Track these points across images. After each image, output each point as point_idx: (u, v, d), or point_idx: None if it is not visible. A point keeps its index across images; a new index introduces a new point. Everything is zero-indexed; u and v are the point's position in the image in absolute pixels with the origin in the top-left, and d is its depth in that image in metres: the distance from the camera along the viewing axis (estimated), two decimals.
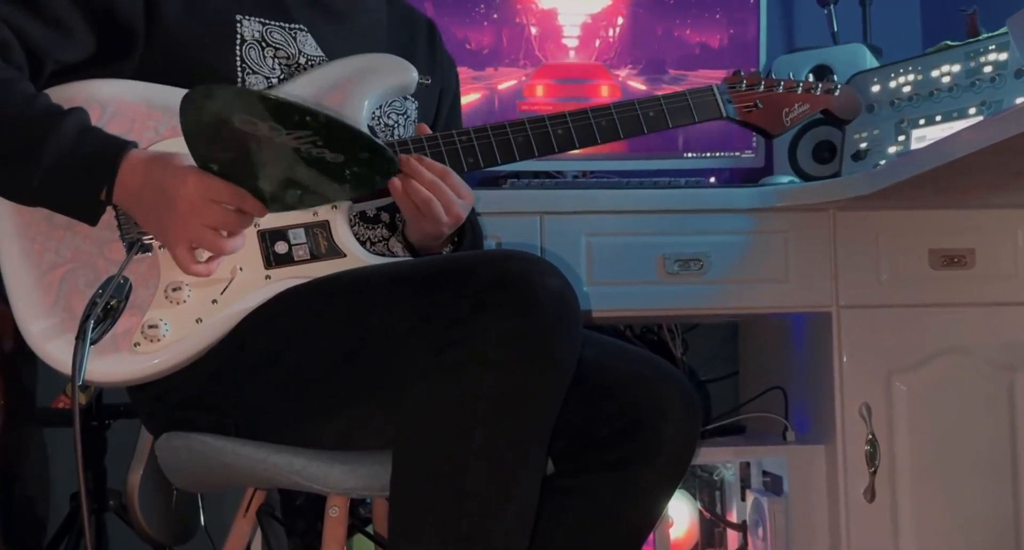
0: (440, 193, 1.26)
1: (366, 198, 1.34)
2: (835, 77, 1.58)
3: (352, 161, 1.15)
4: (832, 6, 2.20)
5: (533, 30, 2.17)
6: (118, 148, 1.20)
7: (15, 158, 1.18)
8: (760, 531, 1.98)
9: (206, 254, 1.22)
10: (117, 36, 1.28)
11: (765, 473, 2.05)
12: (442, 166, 1.28)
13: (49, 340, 1.20)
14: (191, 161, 1.19)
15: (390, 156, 1.14)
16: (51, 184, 1.19)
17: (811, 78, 1.58)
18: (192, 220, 1.17)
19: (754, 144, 2.21)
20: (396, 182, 1.25)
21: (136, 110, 1.27)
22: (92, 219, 1.21)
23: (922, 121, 1.84)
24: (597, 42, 2.18)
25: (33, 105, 1.19)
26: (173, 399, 1.29)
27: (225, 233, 1.20)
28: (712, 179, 2.23)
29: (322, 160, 1.15)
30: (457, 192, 1.28)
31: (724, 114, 1.47)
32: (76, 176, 1.19)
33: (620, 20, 2.19)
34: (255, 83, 1.33)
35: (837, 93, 1.54)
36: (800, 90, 1.51)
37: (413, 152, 1.32)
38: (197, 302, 1.23)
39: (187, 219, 1.17)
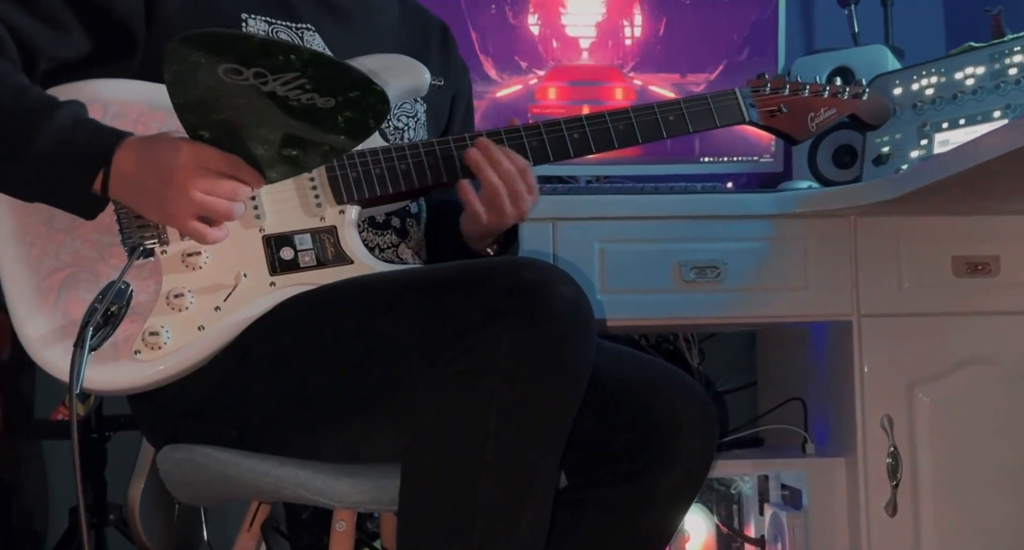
0: (512, 186, 1.28)
1: (376, 202, 1.31)
2: (863, 81, 1.55)
3: (344, 104, 1.13)
4: (853, 6, 2.19)
5: (546, 31, 2.15)
6: (113, 138, 1.18)
7: (7, 149, 1.16)
8: (779, 546, 1.97)
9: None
10: (114, 34, 1.27)
11: (784, 486, 2.03)
12: (524, 161, 1.30)
13: (48, 347, 1.19)
14: (183, 136, 1.19)
15: (379, 90, 1.12)
16: (44, 175, 1.17)
17: (838, 81, 1.56)
18: (191, 189, 1.16)
19: (773, 148, 2.18)
20: (472, 153, 1.28)
21: (138, 110, 1.26)
22: (89, 213, 1.20)
23: (945, 124, 1.83)
24: (611, 43, 2.16)
25: (27, 95, 1.18)
26: (175, 409, 1.27)
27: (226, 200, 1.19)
28: (729, 184, 2.22)
29: (313, 108, 1.13)
30: (530, 189, 1.30)
31: (747, 119, 1.45)
32: (69, 166, 1.17)
33: (634, 21, 2.16)
34: None
35: (865, 97, 1.52)
36: (826, 94, 1.49)
37: (424, 155, 1.31)
38: (199, 309, 1.22)
39: (186, 189, 1.16)
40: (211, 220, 1.19)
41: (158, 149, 1.17)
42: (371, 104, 1.13)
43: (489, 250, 1.39)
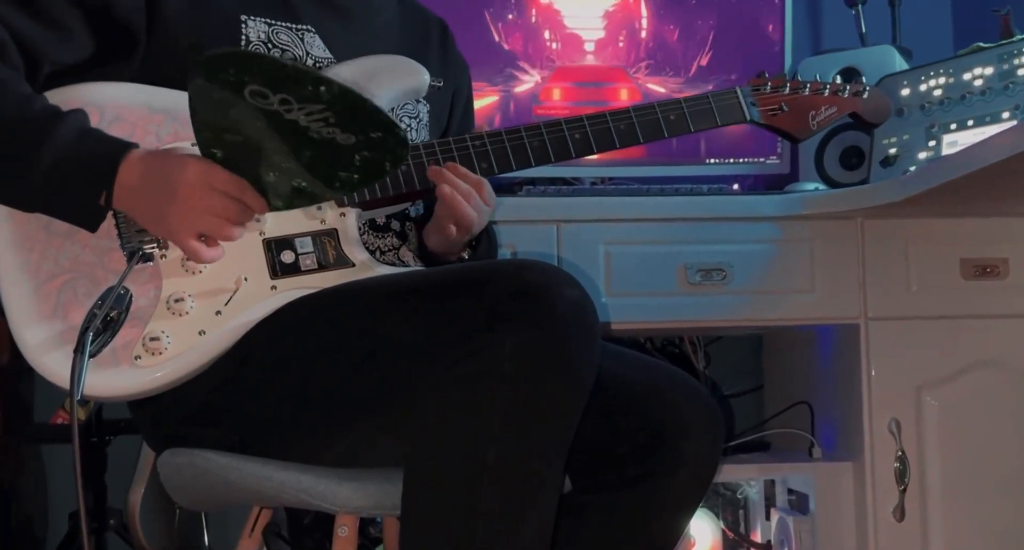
0: (474, 203, 1.29)
1: (376, 204, 1.31)
2: (864, 80, 1.55)
3: (363, 143, 1.12)
4: (860, 6, 2.18)
5: (549, 31, 2.14)
6: (119, 149, 1.18)
7: (11, 161, 1.16)
8: None
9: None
10: (116, 36, 1.27)
11: (791, 491, 2.02)
12: (477, 177, 1.30)
13: (47, 353, 1.18)
14: (193, 152, 1.18)
15: (402, 136, 1.11)
16: (49, 188, 1.16)
17: (839, 80, 1.55)
18: (194, 206, 1.16)
19: (779, 149, 2.17)
20: (445, 189, 1.28)
21: (137, 114, 1.25)
22: (92, 225, 1.19)
23: (953, 125, 1.81)
24: (617, 43, 2.15)
25: (30, 106, 1.17)
26: (175, 414, 1.27)
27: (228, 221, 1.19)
28: (735, 186, 2.22)
29: (332, 142, 1.12)
30: (486, 202, 1.31)
31: (748, 117, 1.45)
32: (75, 180, 1.16)
33: (640, 21, 2.15)
34: None
35: (866, 95, 1.52)
36: (827, 92, 1.50)
37: (425, 157, 1.31)
38: (200, 313, 1.21)
39: (188, 206, 1.16)
40: (210, 239, 1.19)
41: (164, 164, 1.17)
42: (391, 147, 1.12)
43: (464, 255, 1.39)
